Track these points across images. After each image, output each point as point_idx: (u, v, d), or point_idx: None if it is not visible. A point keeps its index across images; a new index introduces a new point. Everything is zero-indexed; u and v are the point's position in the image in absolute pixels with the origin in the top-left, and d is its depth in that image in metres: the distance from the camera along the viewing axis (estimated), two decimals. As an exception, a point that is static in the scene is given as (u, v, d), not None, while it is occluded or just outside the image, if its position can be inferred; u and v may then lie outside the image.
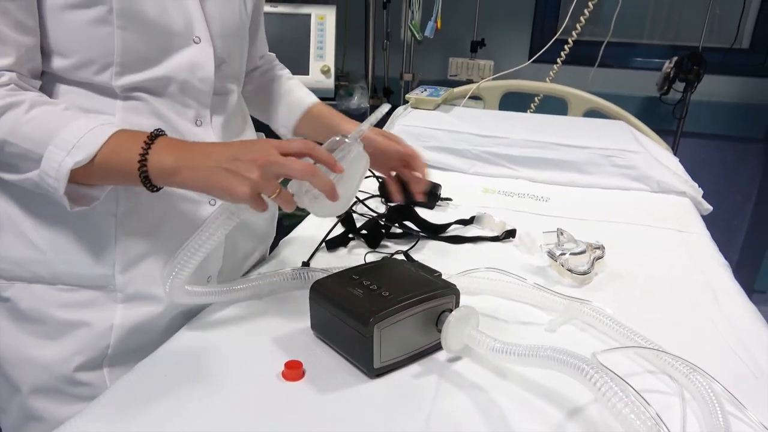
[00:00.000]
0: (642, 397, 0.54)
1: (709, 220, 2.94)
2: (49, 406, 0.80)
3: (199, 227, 0.71)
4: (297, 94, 1.07)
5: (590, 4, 1.89)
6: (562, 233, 1.02)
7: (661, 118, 2.57)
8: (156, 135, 0.68)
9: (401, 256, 1.01)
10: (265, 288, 0.87)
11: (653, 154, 1.50)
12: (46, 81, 0.72)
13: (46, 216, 0.75)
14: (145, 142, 0.67)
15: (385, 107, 0.80)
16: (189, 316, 0.84)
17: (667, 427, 0.51)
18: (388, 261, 0.85)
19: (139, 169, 0.66)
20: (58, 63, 0.71)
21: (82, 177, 0.66)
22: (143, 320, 0.80)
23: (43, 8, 0.68)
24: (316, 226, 1.16)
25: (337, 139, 0.74)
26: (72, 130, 0.65)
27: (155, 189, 0.68)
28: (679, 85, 2.41)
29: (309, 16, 1.97)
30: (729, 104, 2.57)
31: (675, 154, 2.53)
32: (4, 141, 0.65)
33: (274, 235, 1.09)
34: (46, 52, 0.71)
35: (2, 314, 0.79)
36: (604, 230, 1.21)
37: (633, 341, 0.77)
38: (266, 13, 1.05)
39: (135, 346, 0.80)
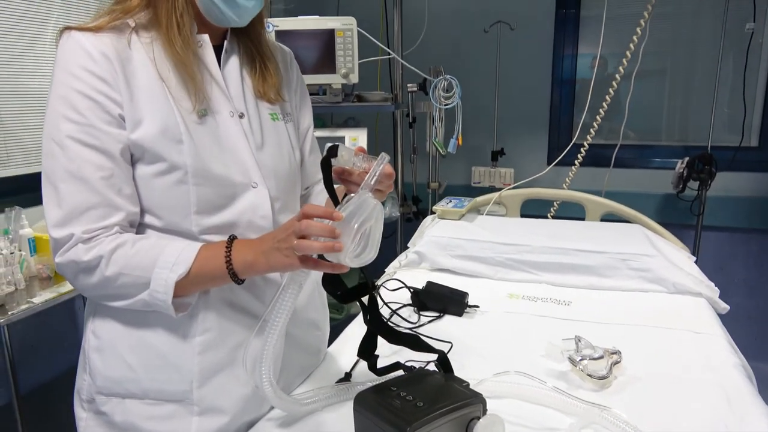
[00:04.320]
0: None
1: (745, 310, 2.93)
2: None
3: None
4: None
5: (598, 117, 2.07)
6: (580, 340, 1.12)
7: (681, 213, 2.67)
8: (231, 241, 0.87)
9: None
10: (320, 404, 0.99)
11: (667, 257, 1.60)
12: (140, 230, 0.90)
13: (141, 341, 0.90)
14: (226, 247, 0.86)
15: (386, 157, 0.89)
16: (249, 426, 0.96)
17: None
18: (421, 372, 0.96)
19: (227, 268, 0.85)
20: (149, 219, 0.89)
21: (179, 288, 0.84)
22: (214, 431, 0.92)
23: (136, 179, 0.87)
24: (358, 335, 1.29)
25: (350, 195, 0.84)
26: (170, 253, 0.85)
27: (240, 281, 0.86)
28: (695, 183, 2.53)
29: (343, 138, 2.22)
30: (747, 198, 2.66)
31: (697, 249, 2.61)
32: (120, 273, 0.83)
33: (326, 350, 1.22)
34: (141, 211, 0.89)
35: (100, 426, 0.93)
36: (624, 333, 1.30)
37: (647, 444, 0.84)
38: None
39: None
